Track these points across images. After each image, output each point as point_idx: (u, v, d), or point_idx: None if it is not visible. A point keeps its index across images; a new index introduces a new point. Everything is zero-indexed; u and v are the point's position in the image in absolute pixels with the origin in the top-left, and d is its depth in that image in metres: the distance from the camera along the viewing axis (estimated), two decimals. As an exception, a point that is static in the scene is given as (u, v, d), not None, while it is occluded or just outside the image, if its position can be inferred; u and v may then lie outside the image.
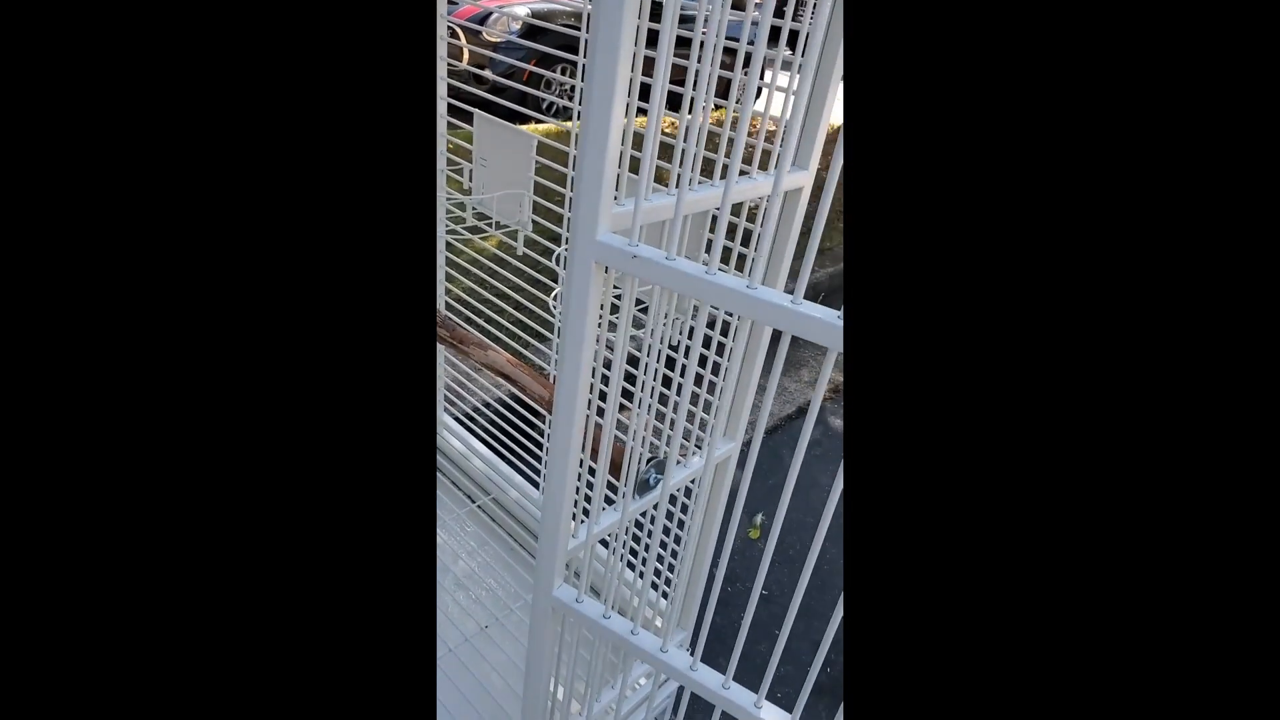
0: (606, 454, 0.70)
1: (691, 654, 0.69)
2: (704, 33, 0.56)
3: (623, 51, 0.48)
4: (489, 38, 4.60)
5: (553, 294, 1.07)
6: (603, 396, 0.69)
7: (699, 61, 0.59)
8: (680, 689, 1.34)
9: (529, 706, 0.88)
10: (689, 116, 0.63)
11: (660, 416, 0.83)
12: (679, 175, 0.61)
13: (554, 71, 4.75)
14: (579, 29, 1.00)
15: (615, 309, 0.82)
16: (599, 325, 0.62)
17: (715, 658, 0.69)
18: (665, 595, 1.08)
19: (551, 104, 4.51)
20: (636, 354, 0.75)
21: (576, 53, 1.03)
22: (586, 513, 0.76)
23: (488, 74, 1.36)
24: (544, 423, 1.42)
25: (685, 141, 0.62)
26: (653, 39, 0.57)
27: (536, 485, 1.48)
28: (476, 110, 1.21)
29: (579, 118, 1.02)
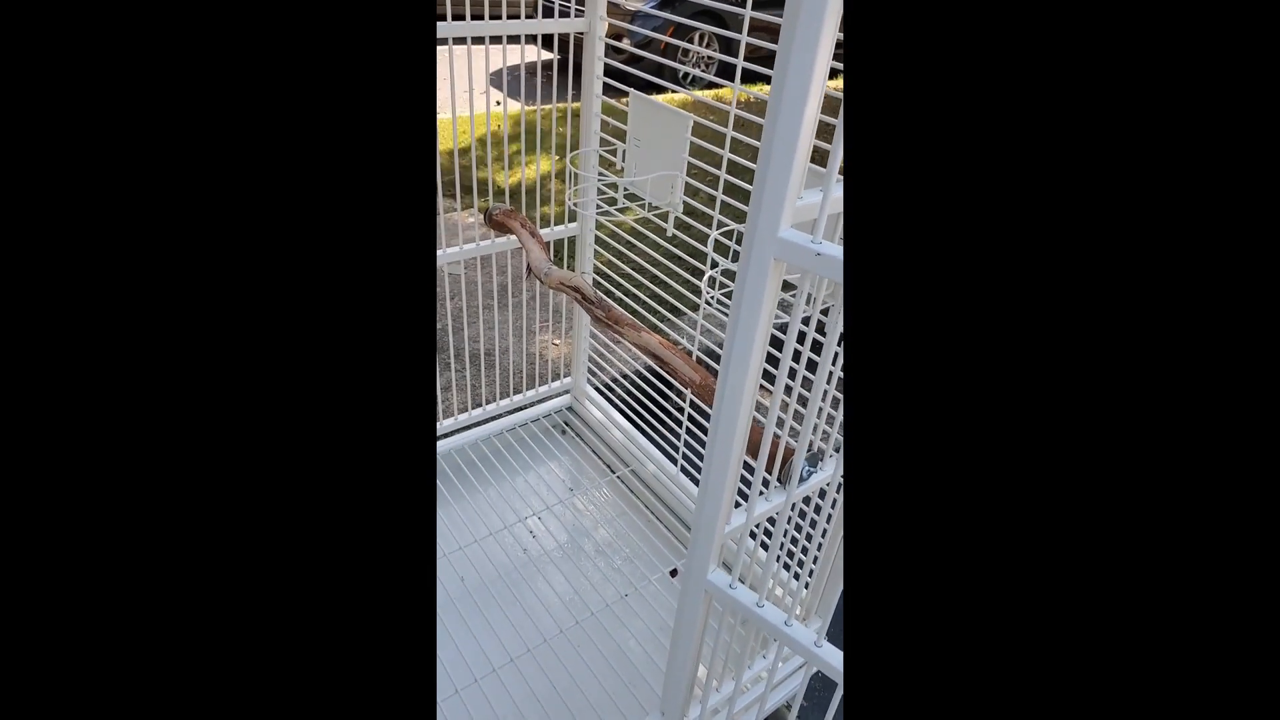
0: (766, 447, 0.70)
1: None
2: None
3: (824, 44, 0.46)
4: (627, 6, 4.59)
5: (704, 277, 1.07)
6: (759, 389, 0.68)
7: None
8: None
9: (672, 682, 0.91)
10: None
11: (804, 403, 0.81)
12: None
13: (690, 41, 4.68)
14: None
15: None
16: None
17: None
18: (807, 586, 1.08)
19: (688, 74, 4.45)
20: (781, 336, 0.73)
21: (713, 22, 1.00)
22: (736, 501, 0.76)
23: (625, 44, 1.36)
24: (684, 400, 1.44)
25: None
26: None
27: (673, 460, 1.51)
28: (632, 90, 1.22)
29: (704, 87, 1.00)
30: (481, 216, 1.40)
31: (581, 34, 1.31)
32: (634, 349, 1.11)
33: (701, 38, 4.62)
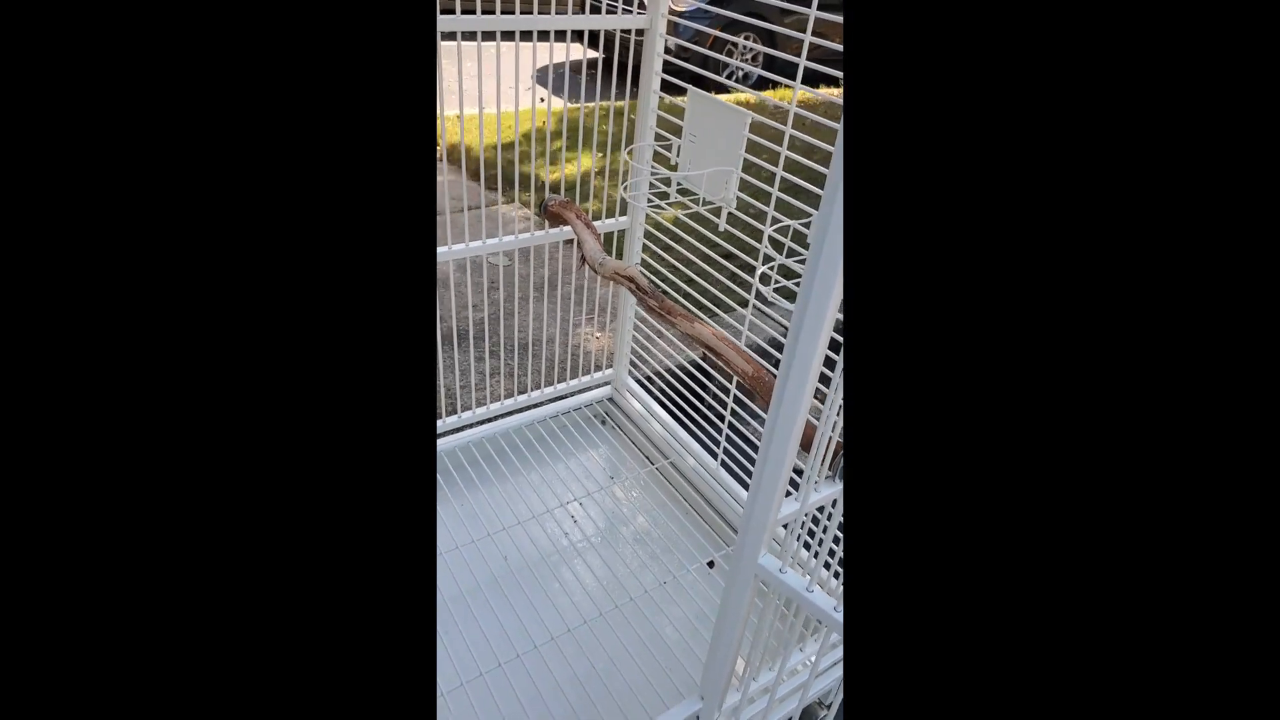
0: (823, 443, 0.71)
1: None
2: None
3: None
4: (674, 5, 4.61)
5: (756, 273, 1.08)
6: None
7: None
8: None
9: (713, 665, 0.93)
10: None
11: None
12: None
13: (739, 38, 4.68)
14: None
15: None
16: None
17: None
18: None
19: (734, 71, 4.46)
20: (837, 338, 0.74)
21: (763, 19, 1.02)
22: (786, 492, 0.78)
23: (672, 40, 1.38)
24: (726, 395, 1.46)
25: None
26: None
27: (713, 454, 1.52)
28: (690, 86, 1.24)
29: (754, 85, 1.01)
30: (525, 210, 1.43)
31: (642, 31, 1.33)
32: (678, 344, 1.13)
33: (748, 35, 4.62)
